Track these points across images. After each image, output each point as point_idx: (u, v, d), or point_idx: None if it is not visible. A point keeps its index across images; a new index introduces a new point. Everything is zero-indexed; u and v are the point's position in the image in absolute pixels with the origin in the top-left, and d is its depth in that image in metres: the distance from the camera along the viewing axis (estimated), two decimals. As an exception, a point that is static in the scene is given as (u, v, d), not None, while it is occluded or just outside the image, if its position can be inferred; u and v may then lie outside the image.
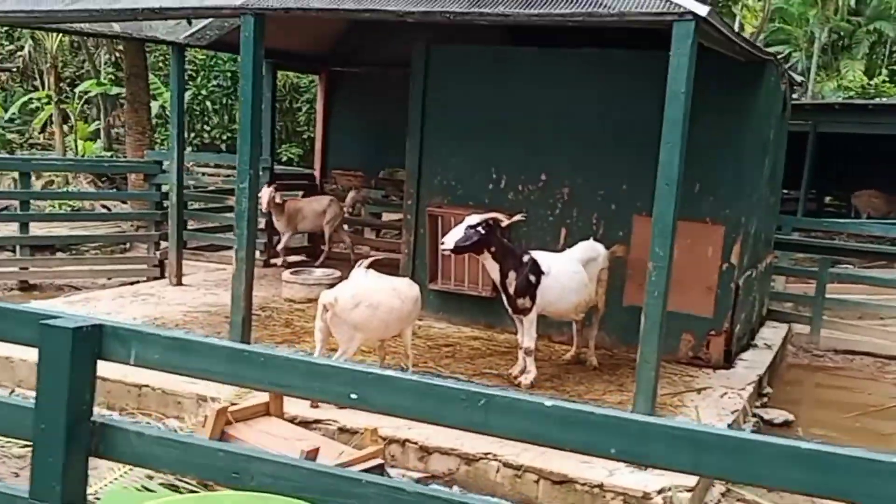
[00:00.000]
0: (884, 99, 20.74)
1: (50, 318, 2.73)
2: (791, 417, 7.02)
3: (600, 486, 4.71)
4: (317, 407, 5.35)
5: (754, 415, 6.69)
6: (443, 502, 2.41)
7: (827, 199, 19.69)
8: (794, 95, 13.84)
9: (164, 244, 10.18)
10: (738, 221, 6.92)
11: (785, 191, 14.63)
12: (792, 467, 1.99)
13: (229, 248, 10.54)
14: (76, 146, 19.57)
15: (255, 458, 2.59)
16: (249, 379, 2.62)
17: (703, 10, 4.86)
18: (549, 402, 2.20)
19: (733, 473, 2.04)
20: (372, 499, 2.37)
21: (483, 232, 6.02)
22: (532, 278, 6.20)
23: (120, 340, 2.72)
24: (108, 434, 2.73)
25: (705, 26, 4.94)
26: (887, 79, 24.01)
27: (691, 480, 4.67)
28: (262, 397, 4.93)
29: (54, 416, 2.65)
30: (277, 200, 9.58)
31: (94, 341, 2.72)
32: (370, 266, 6.00)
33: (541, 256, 6.36)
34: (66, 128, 19.58)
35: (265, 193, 9.20)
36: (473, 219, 6.06)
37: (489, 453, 4.96)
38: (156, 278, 10.20)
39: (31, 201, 11.06)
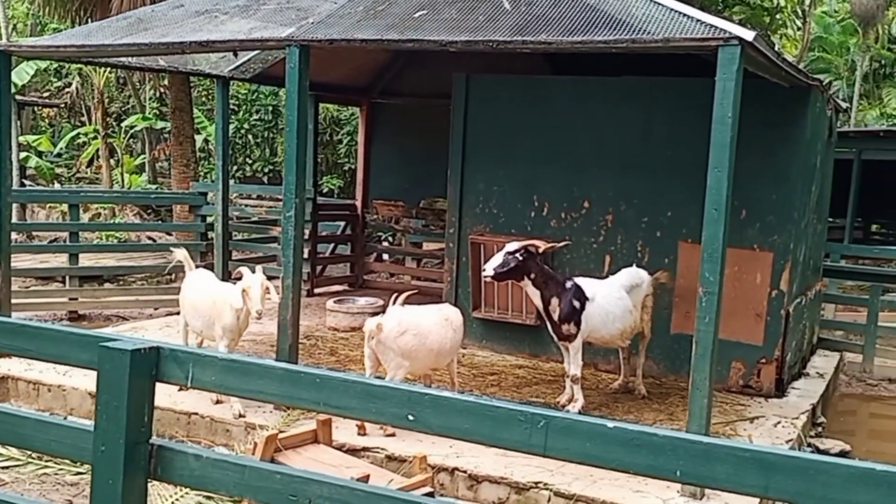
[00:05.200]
0: (929, 125, 20.40)
1: (108, 341, 2.77)
2: (847, 448, 6.83)
3: (653, 515, 4.62)
4: (364, 434, 5.34)
5: (809, 444, 6.52)
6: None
7: (873, 226, 19.34)
8: (838, 123, 13.69)
9: (208, 274, 10.26)
10: (787, 248, 6.81)
11: (830, 219, 14.41)
12: (866, 490, 1.93)
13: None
14: (122, 179, 20.00)
15: (313, 480, 2.57)
16: (304, 400, 2.62)
17: (748, 35, 4.83)
18: (611, 424, 2.17)
19: (804, 496, 1.97)
20: (430, 522, 2.34)
21: (521, 258, 6.04)
22: (576, 304, 6.17)
23: (177, 362, 2.74)
24: (167, 456, 2.74)
25: (751, 51, 4.90)
26: (931, 106, 23.63)
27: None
28: (310, 424, 4.93)
29: (113, 437, 2.66)
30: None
31: (152, 363, 2.75)
32: (405, 301, 5.83)
33: (585, 283, 6.34)
34: (112, 161, 20.02)
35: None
36: (512, 246, 6.12)
37: (540, 482, 4.88)
38: (201, 308, 10.29)
39: (80, 233, 11.30)
